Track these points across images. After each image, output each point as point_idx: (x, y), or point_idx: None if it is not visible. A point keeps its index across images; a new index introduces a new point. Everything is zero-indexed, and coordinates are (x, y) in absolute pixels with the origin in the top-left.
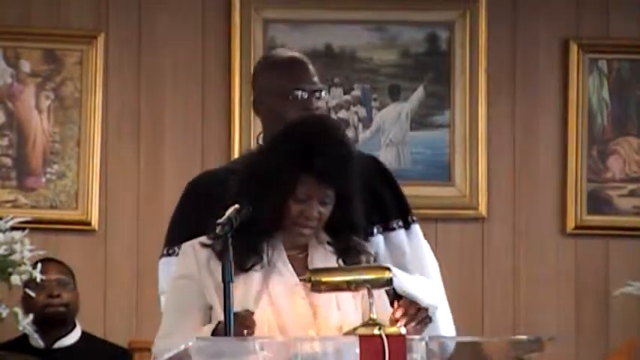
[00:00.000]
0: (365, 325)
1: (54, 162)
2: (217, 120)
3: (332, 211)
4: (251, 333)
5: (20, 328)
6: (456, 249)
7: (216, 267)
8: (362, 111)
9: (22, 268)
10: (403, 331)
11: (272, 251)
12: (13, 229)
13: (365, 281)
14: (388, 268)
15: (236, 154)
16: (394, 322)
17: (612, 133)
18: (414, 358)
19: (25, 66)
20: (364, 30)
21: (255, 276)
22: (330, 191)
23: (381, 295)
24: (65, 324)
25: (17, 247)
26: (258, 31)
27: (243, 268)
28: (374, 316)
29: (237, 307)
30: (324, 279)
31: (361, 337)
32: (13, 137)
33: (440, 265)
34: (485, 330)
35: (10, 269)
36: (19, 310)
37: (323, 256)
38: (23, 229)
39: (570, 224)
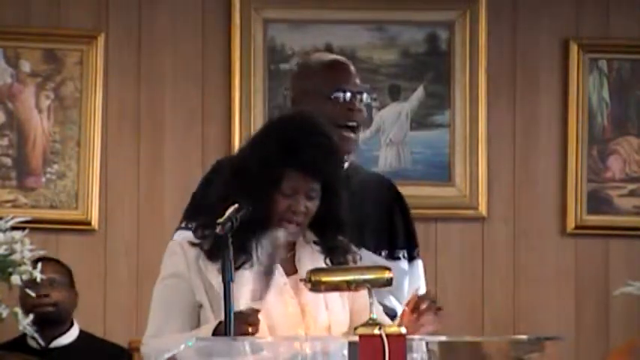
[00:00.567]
0: (365, 324)
1: (54, 162)
2: (217, 120)
3: (318, 207)
4: (255, 331)
5: (20, 328)
6: (456, 249)
7: (206, 265)
8: None
9: (22, 268)
10: (403, 330)
11: (261, 250)
12: (13, 229)
13: (365, 281)
14: (388, 268)
15: None
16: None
17: (612, 133)
18: (414, 358)
19: (25, 66)
20: (364, 30)
21: (245, 274)
22: (316, 185)
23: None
24: (55, 323)
25: (17, 247)
26: (258, 31)
27: (233, 266)
28: (374, 315)
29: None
30: (324, 279)
31: (361, 337)
32: (13, 137)
33: (440, 265)
34: (486, 330)
35: (10, 269)
36: (19, 310)
37: (310, 255)
38: (23, 229)
39: (570, 224)
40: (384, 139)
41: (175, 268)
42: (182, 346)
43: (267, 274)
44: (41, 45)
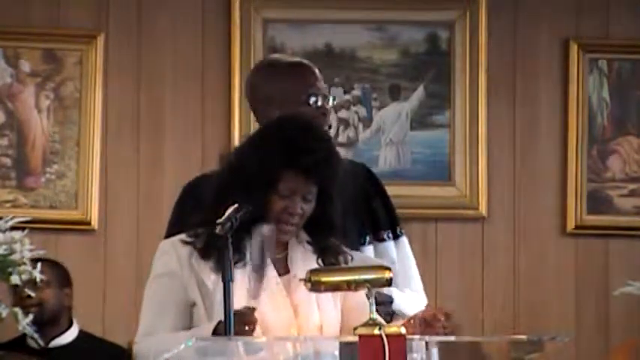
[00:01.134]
0: (365, 324)
1: (54, 162)
2: (217, 120)
3: (312, 209)
4: (253, 330)
5: (20, 328)
6: (456, 249)
7: (198, 264)
8: (362, 111)
9: (22, 268)
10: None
11: (252, 248)
12: (12, 229)
13: (365, 281)
14: (388, 268)
15: None
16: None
17: (612, 133)
18: (414, 358)
19: (25, 66)
20: (364, 30)
21: (238, 274)
22: (313, 188)
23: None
24: (44, 324)
25: (17, 247)
26: (258, 31)
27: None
28: (374, 316)
29: (219, 304)
30: (324, 279)
31: (361, 337)
32: (12, 137)
33: (440, 265)
34: (486, 330)
35: (10, 269)
36: (19, 310)
37: (302, 256)
38: (23, 229)
39: (570, 224)
40: (384, 139)
41: (167, 266)
42: (182, 346)
43: (259, 272)
44: (41, 45)
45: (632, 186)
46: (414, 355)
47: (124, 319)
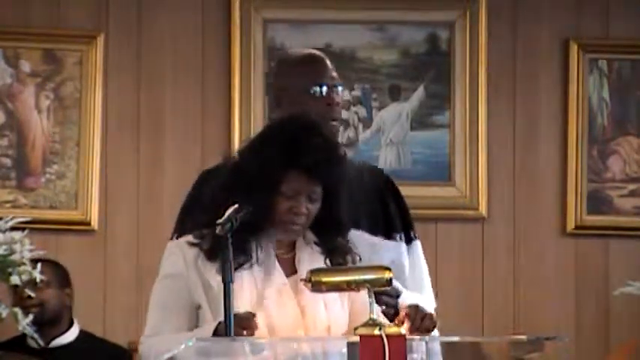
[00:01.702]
0: (365, 325)
1: (54, 162)
2: (217, 120)
3: (319, 209)
4: (251, 335)
5: (20, 328)
6: (456, 249)
7: (205, 266)
8: (362, 111)
9: (22, 268)
10: (403, 331)
11: (260, 251)
12: (12, 229)
13: (365, 281)
14: (388, 268)
15: None
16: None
17: (612, 133)
18: (414, 358)
19: (25, 66)
20: (364, 30)
21: (244, 275)
22: (318, 187)
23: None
24: (45, 324)
25: (17, 247)
26: (258, 31)
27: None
28: (374, 316)
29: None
30: (325, 279)
31: (362, 337)
32: (12, 137)
33: (440, 266)
34: (486, 330)
35: (9, 269)
36: (18, 310)
37: (310, 257)
38: (23, 229)
39: (570, 224)
40: (384, 139)
41: (174, 268)
42: (182, 346)
43: (266, 275)
44: (41, 45)
45: (632, 186)
46: (414, 355)
47: (125, 319)
